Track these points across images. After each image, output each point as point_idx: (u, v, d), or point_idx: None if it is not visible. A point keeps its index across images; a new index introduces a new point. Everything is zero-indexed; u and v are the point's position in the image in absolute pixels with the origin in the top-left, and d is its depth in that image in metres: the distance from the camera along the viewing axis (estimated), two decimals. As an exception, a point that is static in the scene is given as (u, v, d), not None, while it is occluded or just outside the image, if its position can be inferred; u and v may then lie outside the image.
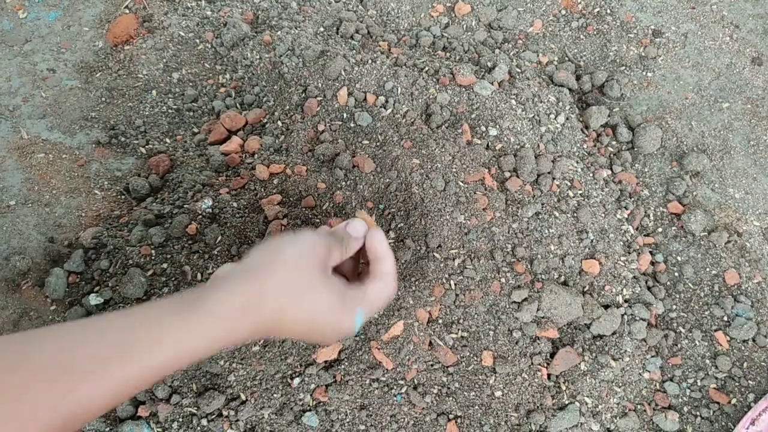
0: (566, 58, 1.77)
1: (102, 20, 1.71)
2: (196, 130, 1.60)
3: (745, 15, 1.84)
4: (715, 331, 1.45)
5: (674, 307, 1.48)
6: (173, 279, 1.33)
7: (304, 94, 1.53)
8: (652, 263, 1.52)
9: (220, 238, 1.35)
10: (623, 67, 1.75)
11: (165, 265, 1.35)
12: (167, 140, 1.59)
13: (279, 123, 1.52)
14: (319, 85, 1.53)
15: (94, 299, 1.35)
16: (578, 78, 1.73)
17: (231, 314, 0.73)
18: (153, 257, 1.35)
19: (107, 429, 1.25)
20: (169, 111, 1.63)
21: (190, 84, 1.66)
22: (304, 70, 1.56)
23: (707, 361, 1.43)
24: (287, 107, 1.53)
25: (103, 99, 1.62)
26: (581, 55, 1.77)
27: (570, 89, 1.69)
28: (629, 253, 1.49)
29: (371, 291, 0.88)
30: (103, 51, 1.68)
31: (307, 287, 0.80)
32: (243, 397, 1.25)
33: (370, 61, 1.57)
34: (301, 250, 0.83)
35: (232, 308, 0.74)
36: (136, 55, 1.67)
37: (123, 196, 1.51)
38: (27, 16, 1.68)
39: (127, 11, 1.73)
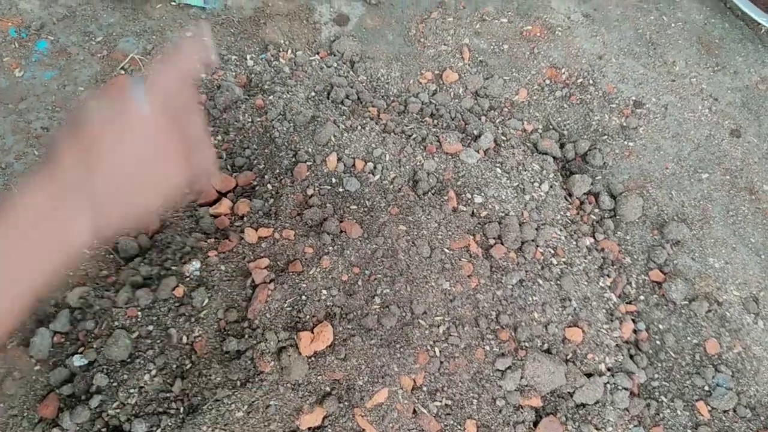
0: (550, 127, 1.82)
1: (97, 80, 1.75)
2: (186, 190, 1.61)
3: (724, 88, 1.91)
4: (697, 401, 1.46)
5: (656, 376, 1.49)
6: (159, 341, 1.34)
7: (294, 159, 1.56)
8: (635, 331, 1.54)
9: (207, 301, 1.36)
10: (605, 136, 1.80)
11: (151, 328, 1.35)
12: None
13: (269, 186, 1.54)
14: (309, 149, 1.57)
15: (78, 360, 1.35)
16: (562, 146, 1.78)
17: None
18: (139, 319, 1.36)
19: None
20: (161, 171, 1.65)
21: (182, 145, 1.69)
22: (294, 135, 1.59)
23: (689, 431, 1.44)
24: (277, 171, 1.56)
25: (96, 158, 1.64)
26: (565, 123, 1.83)
27: (554, 157, 1.73)
28: (612, 321, 1.51)
29: None
30: (97, 111, 1.70)
31: None
32: (225, 464, 1.24)
33: (359, 128, 1.60)
34: None
35: None
36: (130, 116, 1.70)
37: (111, 256, 1.52)
38: (23, 74, 1.71)
39: (123, 72, 1.77)
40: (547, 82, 1.89)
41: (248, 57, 1.84)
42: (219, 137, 1.69)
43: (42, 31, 1.79)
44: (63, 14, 1.81)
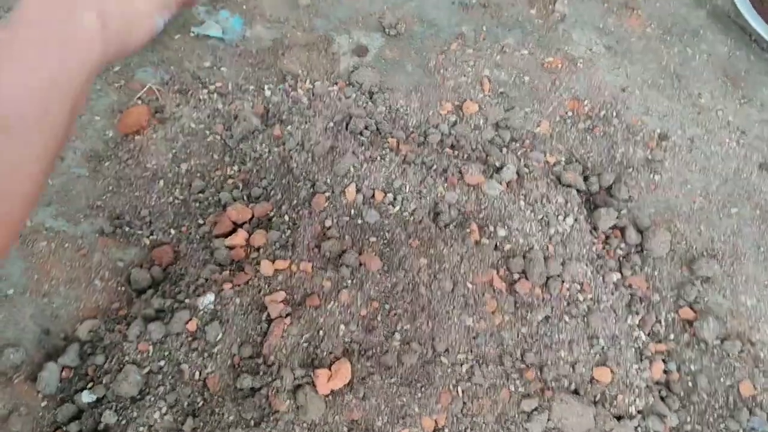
0: (573, 159, 1.78)
1: (114, 110, 1.73)
2: (201, 221, 1.58)
3: (751, 120, 1.87)
4: (732, 445, 1.39)
5: (689, 419, 1.42)
6: (170, 377, 1.29)
7: (312, 189, 1.53)
8: (665, 371, 1.47)
9: (220, 336, 1.32)
10: (630, 169, 1.76)
11: (162, 363, 1.30)
12: (172, 231, 1.57)
13: (286, 217, 1.50)
14: (328, 180, 1.53)
15: (86, 396, 1.30)
16: (586, 179, 1.73)
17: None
18: (150, 354, 1.31)
19: None
20: (176, 201, 1.62)
21: (198, 175, 1.66)
22: (313, 166, 1.56)
23: (724, 479, 1.36)
24: (295, 202, 1.52)
25: (110, 188, 1.61)
26: (588, 156, 1.78)
27: (578, 190, 1.69)
28: (641, 360, 1.45)
29: None
30: (113, 140, 1.68)
31: None
32: None
33: (378, 158, 1.57)
34: None
35: None
36: (146, 146, 1.68)
37: (123, 288, 1.48)
38: (40, 104, 1.70)
39: (140, 102, 1.75)
40: (570, 114, 1.85)
41: (266, 87, 1.82)
42: (235, 167, 1.67)
43: (60, 60, 1.77)
44: (81, 44, 1.80)
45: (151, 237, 1.56)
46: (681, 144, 1.81)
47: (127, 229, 1.56)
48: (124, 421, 1.26)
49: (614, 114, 1.85)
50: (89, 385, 1.32)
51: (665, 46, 1.99)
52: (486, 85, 1.88)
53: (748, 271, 1.62)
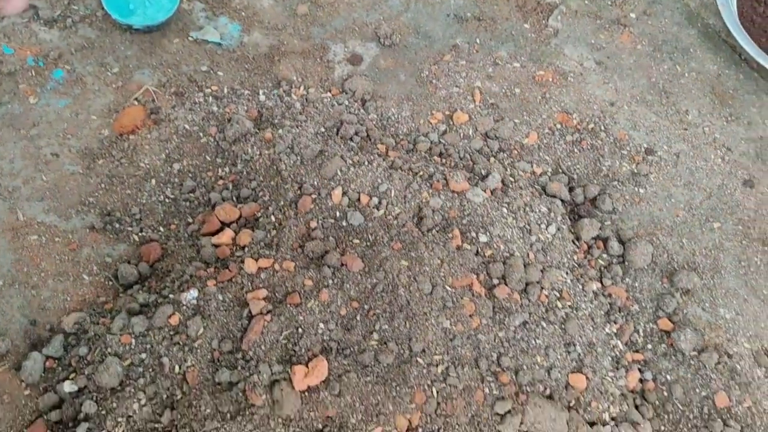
0: (560, 170, 1.81)
1: (110, 110, 1.77)
2: (190, 220, 1.61)
3: (737, 138, 1.89)
4: (705, 456, 1.41)
5: (662, 428, 1.44)
6: (150, 370, 1.31)
7: (299, 191, 1.56)
8: (641, 380, 1.49)
9: (202, 330, 1.34)
10: (615, 182, 1.78)
11: (143, 356, 1.33)
12: (161, 228, 1.60)
13: (272, 218, 1.53)
14: (315, 183, 1.56)
15: (68, 386, 1.33)
16: (571, 190, 1.75)
17: None
18: (132, 347, 1.34)
19: None
20: (166, 200, 1.65)
21: (190, 175, 1.69)
22: (301, 168, 1.59)
23: (696, 488, 1.37)
24: (282, 203, 1.55)
25: (103, 185, 1.64)
26: (575, 168, 1.81)
27: (562, 200, 1.71)
28: (617, 368, 1.46)
29: None
30: (108, 139, 1.72)
31: None
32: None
33: (366, 163, 1.60)
34: None
35: None
36: (140, 145, 1.71)
37: (110, 283, 1.51)
38: (37, 101, 1.74)
39: (136, 103, 1.79)
40: (558, 126, 1.88)
41: (261, 92, 1.86)
42: (227, 169, 1.70)
43: (60, 60, 1.82)
44: (81, 45, 1.84)
45: (140, 234, 1.59)
46: (667, 159, 1.83)
47: (117, 225, 1.59)
48: (103, 411, 1.28)
49: (602, 128, 1.87)
50: (71, 376, 1.34)
51: (655, 63, 2.02)
52: (477, 96, 1.91)
53: (728, 284, 1.63)
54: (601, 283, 1.59)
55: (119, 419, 1.27)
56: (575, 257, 1.60)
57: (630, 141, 1.86)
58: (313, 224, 1.50)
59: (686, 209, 1.75)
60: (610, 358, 1.46)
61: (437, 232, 1.50)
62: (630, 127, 1.89)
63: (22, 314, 1.44)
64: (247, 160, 1.68)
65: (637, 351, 1.53)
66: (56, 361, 1.37)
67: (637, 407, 1.44)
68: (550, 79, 1.96)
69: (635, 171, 1.81)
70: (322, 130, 1.77)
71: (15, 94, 1.74)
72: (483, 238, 1.50)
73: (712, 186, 1.80)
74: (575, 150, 1.84)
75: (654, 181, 1.80)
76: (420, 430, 1.28)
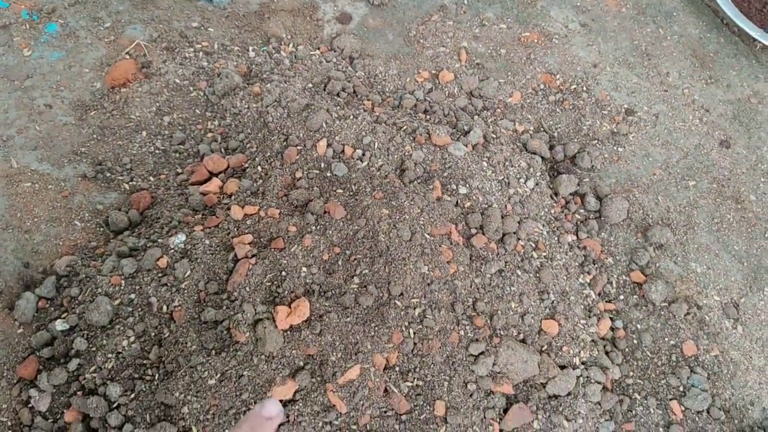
0: (542, 129, 1.85)
1: (103, 63, 1.80)
2: (179, 170, 1.66)
3: (716, 100, 1.93)
4: (670, 400, 1.47)
5: (631, 373, 1.50)
6: (139, 309, 1.36)
7: (285, 143, 1.60)
8: (612, 329, 1.55)
9: (189, 273, 1.39)
10: (595, 141, 1.83)
11: (133, 296, 1.38)
12: (151, 178, 1.65)
13: (259, 168, 1.58)
14: (301, 135, 1.60)
15: (60, 325, 1.38)
16: (551, 148, 1.80)
17: None
18: (122, 287, 1.39)
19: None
20: (156, 151, 1.69)
21: (180, 128, 1.73)
22: (287, 121, 1.63)
23: (660, 430, 1.44)
24: (268, 154, 1.59)
25: (95, 136, 1.68)
26: (556, 127, 1.85)
27: (542, 157, 1.76)
28: (589, 317, 1.52)
29: None
30: (99, 92, 1.75)
31: None
32: (195, 430, 1.26)
33: (351, 117, 1.64)
34: None
35: None
36: (131, 98, 1.75)
37: (102, 229, 1.56)
38: (31, 54, 1.77)
39: (128, 56, 1.82)
40: (542, 86, 1.92)
41: (250, 48, 1.89)
42: (216, 122, 1.74)
43: (53, 14, 1.85)
44: (74, -1, 1.87)
45: (130, 183, 1.63)
46: (646, 119, 1.88)
47: (108, 174, 1.64)
48: (93, 348, 1.34)
49: (584, 88, 1.91)
50: (63, 315, 1.39)
51: (638, 26, 2.05)
52: (463, 55, 1.95)
53: (700, 240, 1.69)
54: (577, 236, 1.65)
55: (109, 355, 1.32)
56: (552, 211, 1.65)
57: (611, 102, 1.90)
58: (299, 174, 1.54)
59: (663, 168, 1.80)
60: (582, 307, 1.51)
61: (419, 183, 1.54)
62: (612, 89, 1.93)
63: (15, 257, 1.48)
64: (236, 114, 1.72)
65: (609, 301, 1.59)
66: (48, 301, 1.42)
67: (607, 353, 1.50)
68: (536, 41, 2.00)
69: (615, 131, 1.85)
70: (310, 85, 1.81)
71: (10, 47, 1.77)
72: (463, 190, 1.55)
73: (689, 146, 1.84)
74: (557, 110, 1.88)
75: (633, 140, 1.84)
76: (397, 368, 1.34)
